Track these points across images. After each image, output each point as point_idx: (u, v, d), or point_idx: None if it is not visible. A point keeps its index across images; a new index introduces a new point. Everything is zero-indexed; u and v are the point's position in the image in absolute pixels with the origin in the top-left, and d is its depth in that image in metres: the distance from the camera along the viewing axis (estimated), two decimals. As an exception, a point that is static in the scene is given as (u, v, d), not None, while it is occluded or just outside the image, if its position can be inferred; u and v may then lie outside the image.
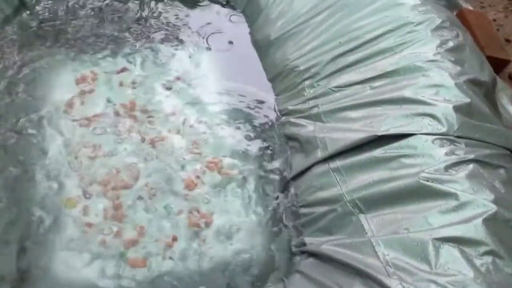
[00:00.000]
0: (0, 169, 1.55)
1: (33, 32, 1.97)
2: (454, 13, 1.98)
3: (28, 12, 2.05)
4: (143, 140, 1.72)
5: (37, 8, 2.08)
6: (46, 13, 2.06)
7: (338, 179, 1.53)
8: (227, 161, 1.72)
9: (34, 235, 1.44)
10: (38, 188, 1.53)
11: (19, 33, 1.95)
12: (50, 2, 2.11)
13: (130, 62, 1.95)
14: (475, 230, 1.22)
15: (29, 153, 1.60)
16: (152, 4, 2.23)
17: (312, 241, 1.49)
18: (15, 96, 1.74)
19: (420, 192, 1.35)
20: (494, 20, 2.22)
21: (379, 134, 1.50)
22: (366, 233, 1.37)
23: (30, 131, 1.66)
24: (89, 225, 1.48)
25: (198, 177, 1.65)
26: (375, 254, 1.29)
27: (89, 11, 2.12)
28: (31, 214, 1.47)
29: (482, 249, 1.20)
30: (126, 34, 2.06)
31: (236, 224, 1.57)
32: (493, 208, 1.25)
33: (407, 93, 1.57)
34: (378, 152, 1.49)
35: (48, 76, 1.82)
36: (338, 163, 1.56)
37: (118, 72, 1.90)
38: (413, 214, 1.32)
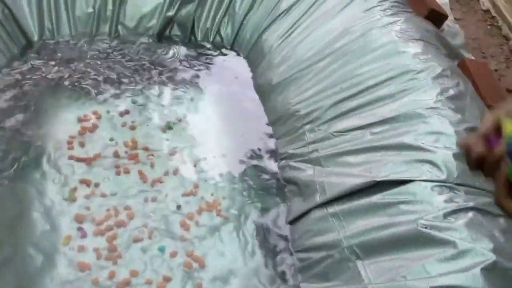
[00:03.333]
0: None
1: (37, 71, 2.00)
2: (456, 63, 1.99)
3: (34, 51, 2.10)
4: (142, 180, 1.72)
5: (44, 47, 2.13)
6: (52, 53, 2.11)
7: (336, 224, 1.51)
8: (225, 203, 1.70)
9: (27, 275, 1.41)
10: (33, 227, 1.52)
11: (24, 71, 1.99)
12: (56, 42, 2.16)
13: (133, 103, 1.97)
14: (473, 279, 1.18)
15: (27, 192, 1.59)
16: (158, 48, 2.27)
17: (308, 287, 1.46)
18: (15, 133, 1.75)
19: (418, 239, 1.32)
20: (496, 70, 2.24)
21: (378, 179, 1.48)
22: (363, 280, 1.34)
23: (29, 169, 1.66)
24: (83, 265, 1.45)
25: (194, 218, 1.63)
26: (371, 301, 1.26)
27: (96, 52, 2.16)
28: (25, 253, 1.45)
29: (481, 299, 1.17)
30: (131, 76, 2.09)
31: (232, 267, 1.54)
32: (492, 257, 1.22)
33: (407, 139, 1.56)
34: (376, 198, 1.47)
35: (50, 114, 1.84)
36: (336, 208, 1.54)
37: (122, 114, 1.92)
38: (410, 262, 1.29)
